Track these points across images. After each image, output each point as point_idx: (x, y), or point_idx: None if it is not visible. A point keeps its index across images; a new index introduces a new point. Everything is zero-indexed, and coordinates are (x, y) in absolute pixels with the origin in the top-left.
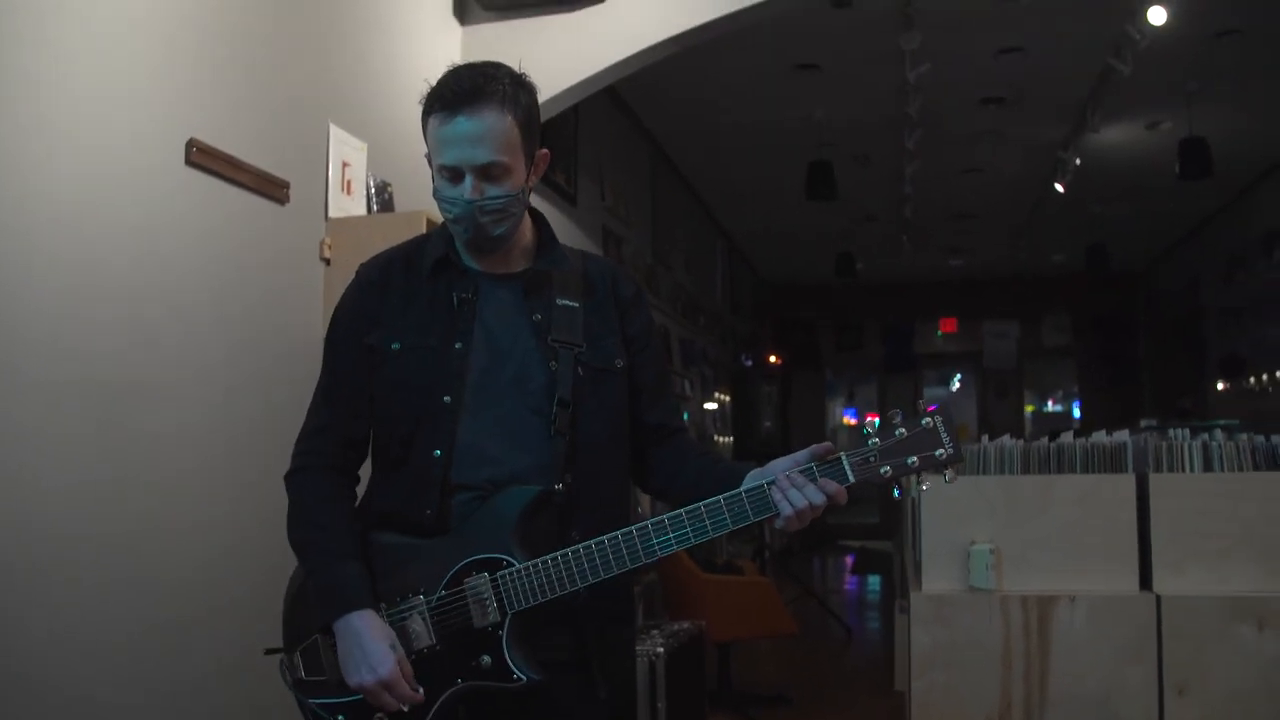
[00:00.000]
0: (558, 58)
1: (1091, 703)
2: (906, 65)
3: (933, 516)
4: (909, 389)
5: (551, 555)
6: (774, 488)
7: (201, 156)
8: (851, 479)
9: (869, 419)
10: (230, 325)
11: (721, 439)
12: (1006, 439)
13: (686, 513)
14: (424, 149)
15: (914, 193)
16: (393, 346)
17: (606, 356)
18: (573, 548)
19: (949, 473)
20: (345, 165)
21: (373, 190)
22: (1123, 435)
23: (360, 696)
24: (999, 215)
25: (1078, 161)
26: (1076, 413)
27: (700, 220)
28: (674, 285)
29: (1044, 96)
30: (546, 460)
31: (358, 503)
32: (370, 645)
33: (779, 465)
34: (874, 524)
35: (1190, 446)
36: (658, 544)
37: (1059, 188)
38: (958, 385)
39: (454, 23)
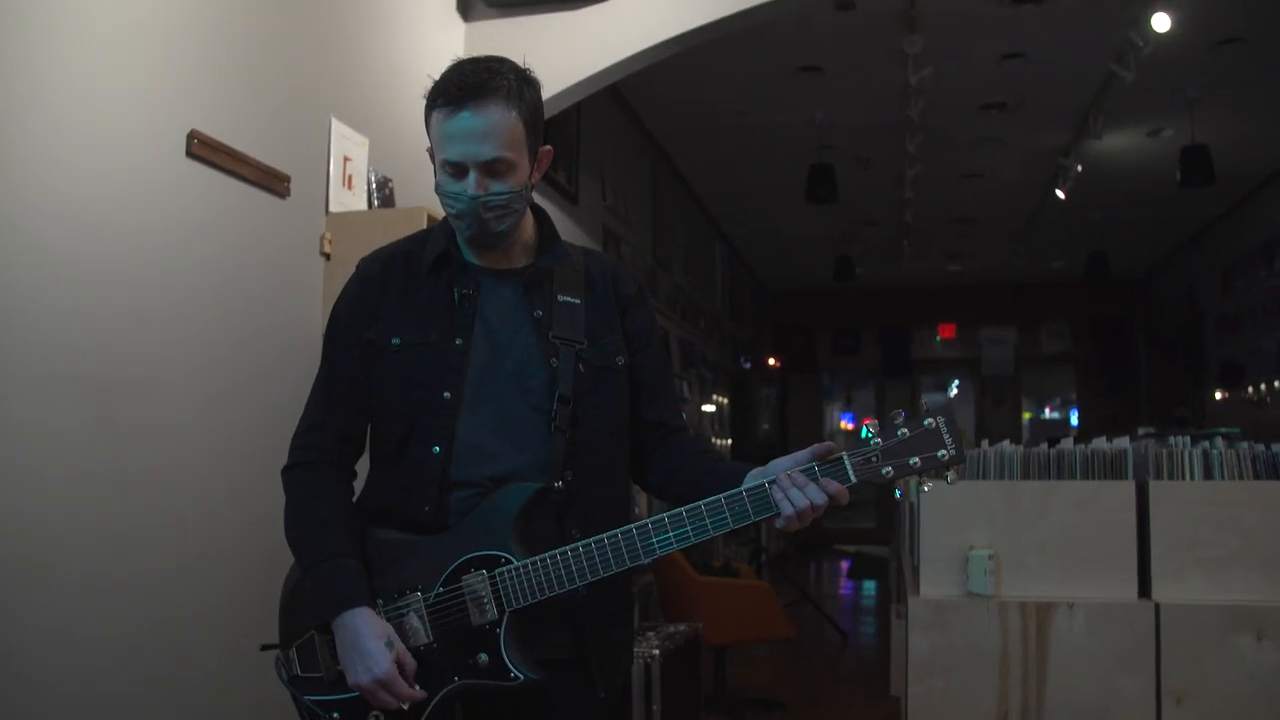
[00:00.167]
0: (560, 55)
1: (1089, 710)
2: (909, 69)
3: (931, 521)
4: (906, 394)
5: (550, 553)
6: (775, 487)
7: (202, 149)
8: (853, 479)
9: (865, 423)
10: (229, 319)
11: (720, 441)
12: (1006, 444)
13: (687, 511)
14: (426, 144)
15: (914, 197)
16: (393, 342)
17: (608, 354)
18: (572, 545)
19: (951, 474)
20: (346, 160)
21: (374, 185)
22: (1123, 442)
23: (356, 694)
24: (999, 221)
25: (1079, 168)
26: (1074, 420)
27: (700, 222)
28: (673, 287)
29: (1046, 102)
30: (546, 457)
31: (355, 498)
32: (366, 645)
33: (780, 464)
34: (870, 529)
35: (1191, 454)
36: (657, 542)
37: (1060, 194)
38: (955, 391)
39: (457, 19)
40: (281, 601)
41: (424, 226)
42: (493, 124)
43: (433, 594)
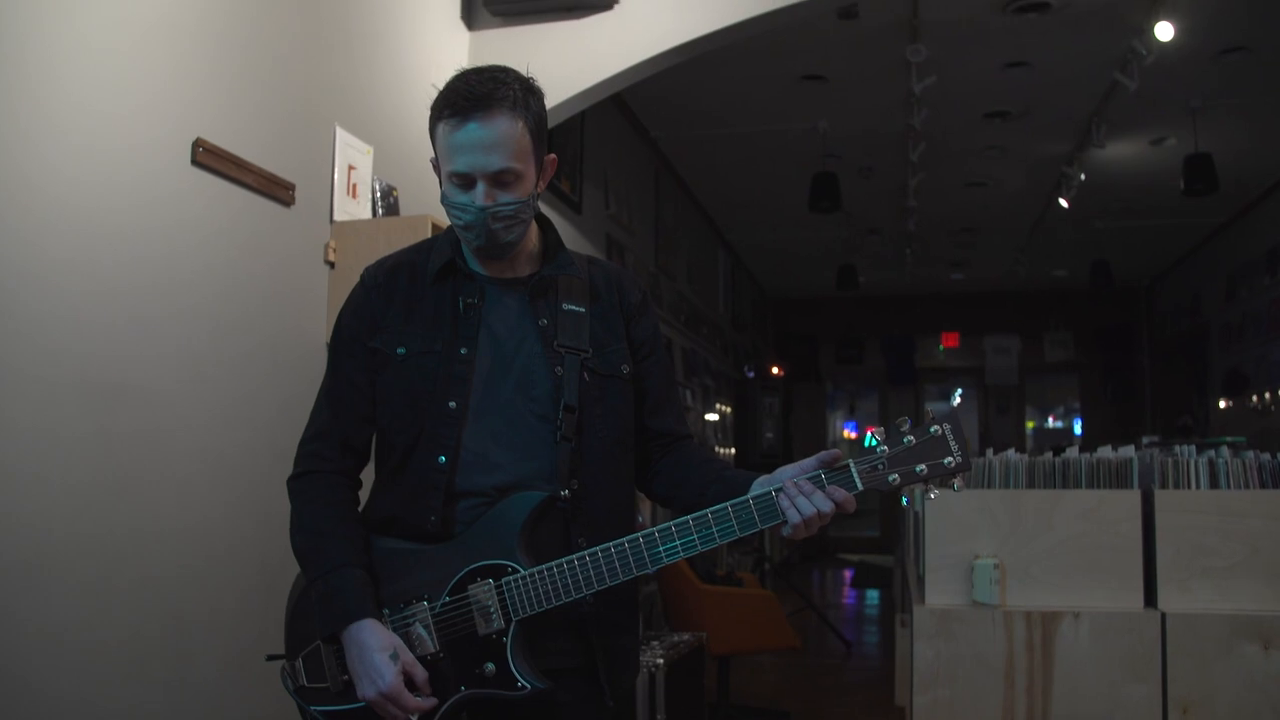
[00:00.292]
0: (564, 64)
1: None
2: (912, 78)
3: (936, 530)
4: (910, 403)
5: (557, 562)
6: (781, 495)
7: (207, 157)
8: (860, 487)
9: (870, 430)
10: (233, 326)
11: (723, 450)
12: (1011, 453)
13: (693, 519)
14: (430, 153)
15: (917, 205)
16: (398, 351)
17: (613, 362)
18: (578, 554)
19: (957, 481)
20: (351, 168)
21: (378, 194)
22: (1128, 451)
23: (362, 704)
24: (1002, 229)
25: (1082, 176)
26: (1078, 429)
27: (703, 230)
28: (677, 295)
29: (1049, 111)
30: (552, 466)
31: (361, 507)
32: (371, 658)
33: (786, 472)
34: (874, 537)
35: (1196, 463)
36: (664, 551)
37: (1063, 203)
38: (958, 400)
39: (461, 28)
40: (287, 611)
41: (428, 235)
42: (500, 135)
43: (439, 603)
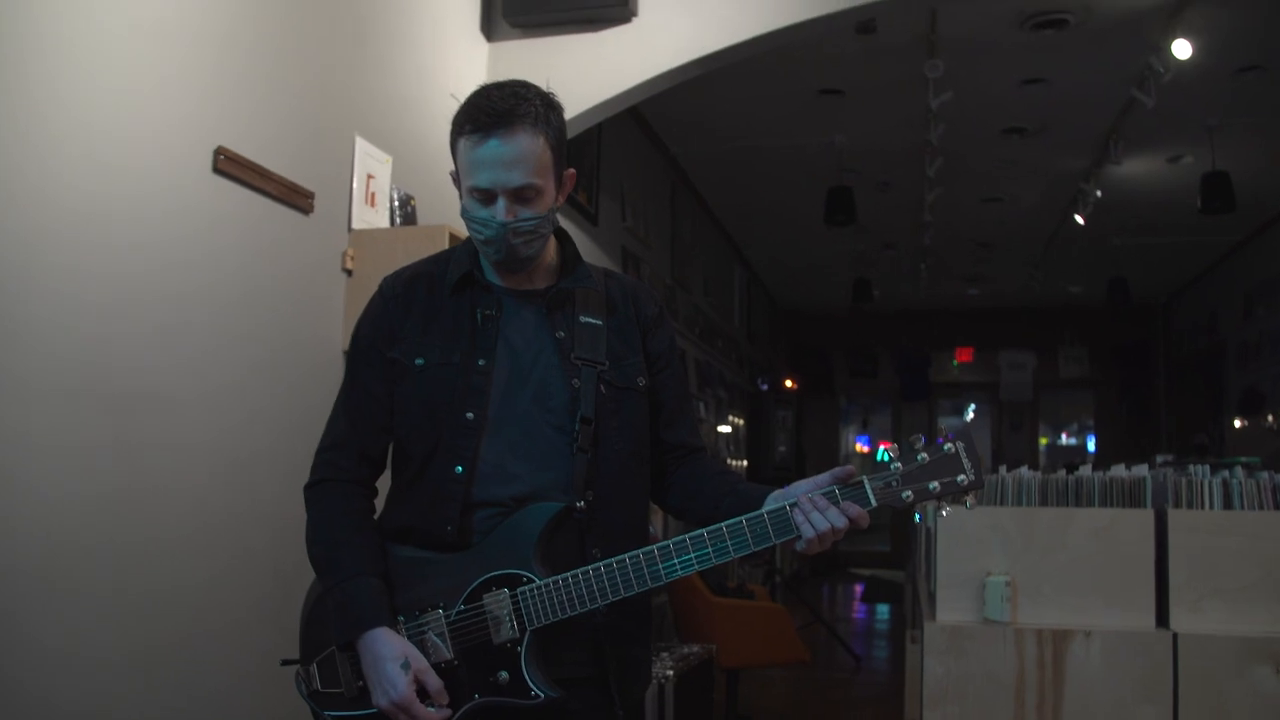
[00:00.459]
0: (582, 76)
1: None
2: (929, 93)
3: (948, 547)
4: (924, 418)
5: (572, 572)
6: (796, 510)
7: (228, 164)
8: (874, 503)
9: (883, 446)
10: (251, 334)
11: (735, 462)
12: (1024, 470)
13: (708, 532)
14: (448, 164)
15: (933, 220)
16: (416, 362)
17: (629, 375)
18: (593, 565)
19: (970, 499)
20: (370, 177)
21: (396, 203)
22: (1142, 470)
23: (375, 710)
24: (1018, 245)
25: (1099, 193)
26: (1091, 446)
27: (719, 243)
28: (692, 308)
29: (1066, 127)
30: (568, 477)
31: (377, 515)
32: (384, 667)
33: (800, 487)
34: (885, 552)
35: (1210, 483)
36: (679, 563)
37: (1079, 219)
38: (972, 415)
39: (480, 39)
40: (302, 616)
41: (446, 244)
42: (521, 151)
43: (454, 612)
